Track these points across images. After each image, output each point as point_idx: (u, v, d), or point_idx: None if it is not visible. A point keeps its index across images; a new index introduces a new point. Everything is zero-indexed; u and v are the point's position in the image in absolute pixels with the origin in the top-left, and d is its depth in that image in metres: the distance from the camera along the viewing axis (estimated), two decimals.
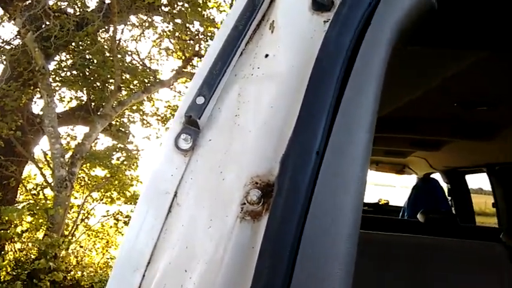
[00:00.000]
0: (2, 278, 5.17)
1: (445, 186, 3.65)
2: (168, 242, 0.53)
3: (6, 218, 5.36)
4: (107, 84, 6.74)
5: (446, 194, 3.59)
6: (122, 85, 6.58)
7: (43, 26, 5.63)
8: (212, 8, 7.05)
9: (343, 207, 0.40)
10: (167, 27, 7.30)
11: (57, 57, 6.87)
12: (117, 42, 6.47)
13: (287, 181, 0.43)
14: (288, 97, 0.52)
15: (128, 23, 7.09)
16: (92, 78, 6.55)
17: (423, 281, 1.64)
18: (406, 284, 1.64)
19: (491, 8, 0.65)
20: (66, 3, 6.53)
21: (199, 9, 6.28)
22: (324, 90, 0.45)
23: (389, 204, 5.13)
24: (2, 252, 5.83)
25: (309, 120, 0.44)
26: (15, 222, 6.02)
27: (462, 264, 1.71)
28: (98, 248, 7.58)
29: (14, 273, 5.49)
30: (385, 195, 5.52)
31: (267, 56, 0.57)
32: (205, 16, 6.60)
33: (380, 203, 5.06)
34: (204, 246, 0.50)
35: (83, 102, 7.07)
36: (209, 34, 7.33)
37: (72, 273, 6.34)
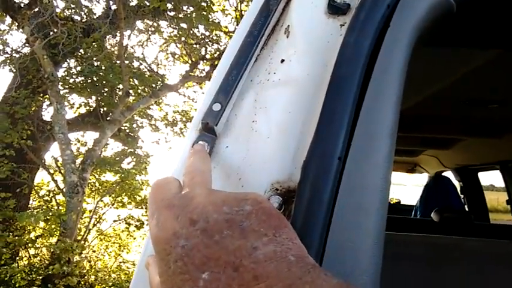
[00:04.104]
0: (17, 283, 5.23)
1: (457, 184, 3.62)
2: None
3: (20, 225, 5.41)
4: (115, 90, 6.80)
5: (459, 191, 3.56)
6: (130, 90, 6.63)
7: (50, 33, 5.69)
8: (217, 11, 7.08)
9: (368, 213, 0.39)
10: (172, 32, 7.34)
11: (65, 64, 6.94)
12: (124, 48, 6.51)
13: (308, 188, 0.42)
14: (306, 102, 0.52)
15: (135, 28, 7.14)
16: (100, 84, 6.60)
17: (439, 281, 1.63)
18: (421, 284, 1.62)
19: (506, 7, 0.64)
20: (73, 11, 6.60)
21: (204, 13, 6.30)
22: (344, 95, 0.45)
23: (401, 203, 5.09)
24: (17, 258, 5.90)
25: (330, 126, 0.44)
26: (28, 228, 6.09)
27: (479, 263, 1.69)
28: (111, 252, 7.63)
29: (29, 279, 5.54)
30: (397, 194, 5.48)
31: (282, 61, 0.57)
32: (210, 20, 6.62)
33: (391, 202, 5.01)
34: None
35: (92, 108, 7.13)
36: (215, 38, 7.35)
37: (85, 277, 6.39)
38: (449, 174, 3.72)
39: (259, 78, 0.58)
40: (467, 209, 3.47)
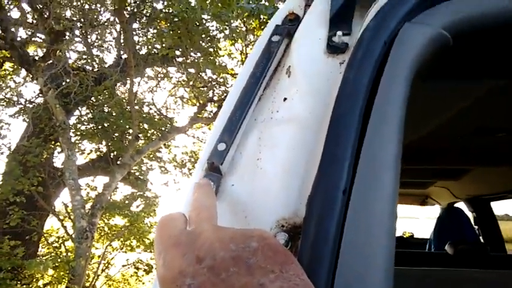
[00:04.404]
0: None
1: (470, 214, 3.54)
2: None
3: (29, 273, 5.34)
4: (125, 134, 6.90)
5: (472, 222, 3.48)
6: (139, 134, 6.73)
7: (63, 83, 5.88)
8: (223, 56, 7.29)
9: (375, 246, 0.39)
10: (181, 77, 7.54)
11: (76, 112, 7.12)
12: (135, 94, 6.69)
13: (314, 223, 0.42)
14: (309, 139, 0.53)
15: (145, 75, 7.36)
16: (110, 130, 6.72)
17: None
18: None
19: (502, 39, 0.65)
20: (84, 61, 6.84)
21: (211, 58, 6.50)
22: (346, 130, 0.46)
23: (414, 237, 4.97)
24: None
25: (333, 161, 0.45)
26: (37, 276, 6.01)
27: None
28: None
29: None
30: (409, 228, 5.36)
31: (285, 99, 0.59)
32: (217, 64, 6.81)
33: (404, 236, 4.90)
34: None
35: (103, 153, 7.23)
36: (221, 80, 7.54)
37: None
38: (461, 205, 3.65)
39: (263, 117, 0.59)
40: (482, 241, 3.38)
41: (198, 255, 0.35)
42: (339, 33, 0.60)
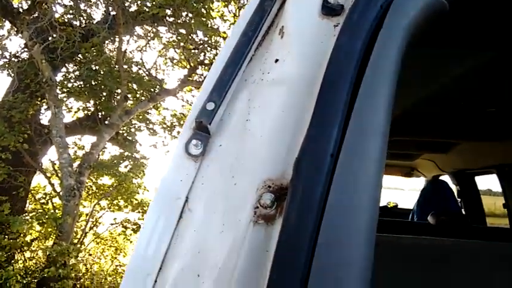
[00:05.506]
0: (12, 287, 5.19)
1: (454, 188, 3.62)
2: (180, 248, 0.52)
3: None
4: (113, 94, 6.80)
5: (456, 195, 3.56)
6: (128, 95, 6.63)
7: (49, 38, 5.71)
8: (216, 17, 7.11)
9: (359, 210, 0.40)
10: (171, 37, 7.37)
11: (64, 69, 6.95)
12: (123, 52, 6.53)
13: (301, 185, 0.42)
14: (299, 101, 0.52)
15: (134, 34, 7.17)
16: (98, 89, 6.60)
17: (437, 283, 1.63)
18: (419, 286, 1.63)
19: (501, 10, 0.64)
20: (72, 16, 6.63)
21: (203, 19, 6.33)
22: (337, 94, 0.45)
23: (398, 207, 5.09)
24: (12, 261, 5.87)
25: (322, 124, 0.44)
26: (24, 231, 6.07)
27: (476, 265, 1.69)
28: (107, 256, 7.61)
29: (24, 282, 5.51)
30: (394, 198, 5.48)
31: (277, 61, 0.57)
32: (209, 26, 6.65)
33: (389, 206, 5.01)
34: (217, 251, 0.49)
35: (90, 112, 7.13)
36: (213, 43, 7.39)
37: (81, 280, 6.36)
38: (446, 178, 3.73)
39: (254, 77, 0.58)
40: (464, 213, 3.47)
41: None
42: None
